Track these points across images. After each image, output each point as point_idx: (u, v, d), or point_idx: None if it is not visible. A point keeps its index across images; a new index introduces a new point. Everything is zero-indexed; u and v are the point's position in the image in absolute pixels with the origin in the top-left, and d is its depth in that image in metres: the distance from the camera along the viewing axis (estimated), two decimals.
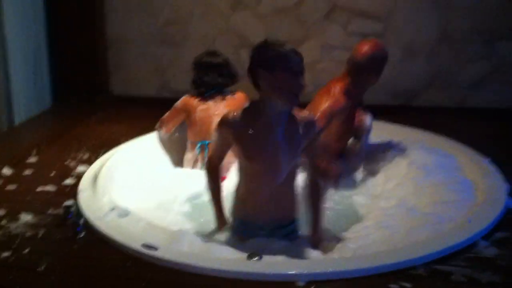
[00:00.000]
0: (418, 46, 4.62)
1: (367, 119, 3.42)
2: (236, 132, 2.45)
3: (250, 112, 2.46)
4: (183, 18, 4.86)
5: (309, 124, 2.53)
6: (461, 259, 2.37)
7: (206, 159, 3.37)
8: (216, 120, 3.36)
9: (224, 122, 2.49)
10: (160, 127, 3.62)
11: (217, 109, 3.44)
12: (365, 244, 2.53)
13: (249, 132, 2.43)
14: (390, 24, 4.60)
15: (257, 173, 2.49)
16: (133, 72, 5.04)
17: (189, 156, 3.50)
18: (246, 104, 2.57)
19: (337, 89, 3.24)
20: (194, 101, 3.50)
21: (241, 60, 4.74)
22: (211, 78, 3.49)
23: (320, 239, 2.60)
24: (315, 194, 2.62)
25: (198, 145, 3.44)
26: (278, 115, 2.45)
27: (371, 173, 3.41)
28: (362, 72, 3.24)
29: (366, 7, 4.60)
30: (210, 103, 3.48)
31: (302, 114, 2.52)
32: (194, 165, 3.45)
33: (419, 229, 2.59)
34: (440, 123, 4.09)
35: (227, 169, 3.20)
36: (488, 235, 2.55)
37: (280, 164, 2.47)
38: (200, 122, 3.46)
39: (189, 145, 3.52)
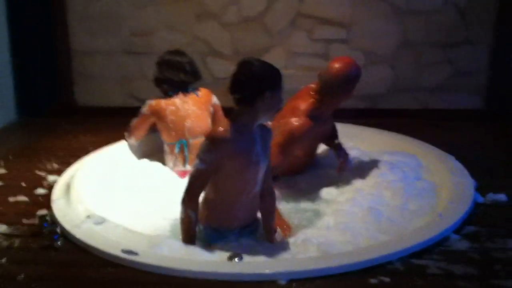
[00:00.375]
0: (381, 51, 4.73)
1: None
2: (229, 151, 2.44)
3: (236, 129, 2.46)
4: (148, 28, 4.87)
5: (271, 133, 2.64)
6: (435, 252, 2.46)
7: (187, 158, 3.43)
8: (189, 119, 3.46)
9: (217, 143, 2.44)
10: (130, 135, 3.61)
11: (187, 108, 3.49)
12: (326, 242, 2.58)
13: (239, 149, 2.45)
14: (353, 31, 4.71)
15: (236, 186, 2.53)
16: (98, 83, 5.00)
17: (169, 157, 3.51)
18: (227, 122, 2.51)
19: (300, 111, 3.15)
20: (162, 104, 3.50)
21: (208, 68, 4.82)
22: (173, 75, 3.51)
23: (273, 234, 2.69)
24: (270, 206, 2.69)
25: (177, 145, 3.45)
26: (258, 128, 2.53)
27: (335, 173, 3.43)
28: (333, 92, 3.15)
29: (329, 14, 4.69)
30: (178, 103, 3.50)
31: (266, 124, 2.62)
32: (175, 165, 3.46)
33: (380, 232, 2.67)
34: (404, 125, 4.19)
35: None
36: (459, 229, 2.64)
37: (260, 175, 2.55)
38: (172, 124, 3.47)
39: (166, 147, 3.53)
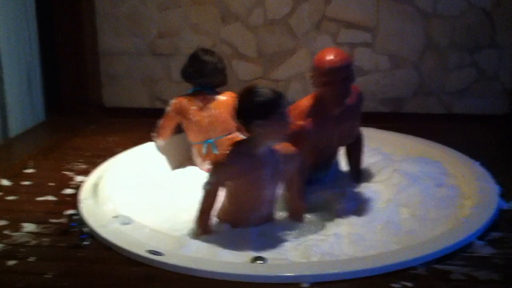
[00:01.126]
0: (405, 54, 4.72)
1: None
2: (229, 174, 2.66)
3: (239, 152, 2.65)
4: (174, 30, 4.92)
5: (290, 157, 2.75)
6: (458, 258, 2.45)
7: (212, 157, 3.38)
8: (212, 119, 3.50)
9: (217, 167, 2.66)
10: (157, 135, 3.66)
11: (211, 108, 3.54)
12: (330, 252, 2.55)
13: (239, 172, 2.64)
14: (377, 34, 4.71)
15: (245, 200, 2.74)
16: (125, 84, 5.08)
17: (197, 158, 3.56)
18: (235, 146, 2.70)
19: (297, 111, 2.98)
20: (184, 103, 3.55)
21: (233, 71, 4.86)
22: (197, 72, 3.54)
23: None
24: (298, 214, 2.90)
25: (204, 146, 3.50)
26: (266, 151, 2.68)
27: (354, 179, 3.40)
28: (316, 83, 3.02)
29: (354, 18, 4.69)
30: (200, 103, 3.54)
31: (283, 148, 2.73)
32: (204, 165, 3.48)
33: (391, 243, 2.62)
34: (428, 129, 4.18)
35: None
36: (483, 235, 2.63)
37: (266, 197, 2.76)
38: (197, 124, 3.52)
39: (193, 147, 3.59)
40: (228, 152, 2.66)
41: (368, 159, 3.55)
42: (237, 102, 2.63)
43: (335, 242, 2.64)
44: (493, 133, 4.30)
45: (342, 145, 3.34)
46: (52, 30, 4.80)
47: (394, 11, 4.66)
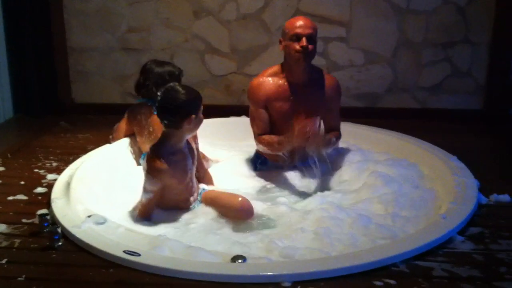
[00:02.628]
0: (379, 50, 4.72)
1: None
2: (167, 176, 2.82)
3: (168, 153, 2.82)
4: (145, 25, 4.83)
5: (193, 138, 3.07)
6: (439, 254, 2.44)
7: None
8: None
9: (156, 175, 2.81)
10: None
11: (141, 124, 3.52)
12: (293, 246, 2.53)
13: (174, 171, 2.83)
14: (351, 29, 4.69)
15: (178, 187, 2.90)
16: (95, 80, 4.97)
17: None
18: (160, 140, 2.87)
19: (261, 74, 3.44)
20: (134, 112, 3.58)
21: (206, 65, 4.80)
22: (142, 84, 3.50)
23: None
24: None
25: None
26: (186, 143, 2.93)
27: (329, 174, 3.41)
28: (289, 40, 3.31)
29: (328, 12, 4.67)
30: (141, 117, 3.51)
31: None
32: None
33: (359, 238, 2.60)
34: (403, 124, 4.19)
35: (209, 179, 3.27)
36: (463, 230, 2.63)
37: (193, 179, 2.99)
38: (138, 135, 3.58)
39: None
40: (158, 154, 2.79)
41: (345, 156, 3.54)
42: (164, 102, 2.77)
43: (300, 236, 2.62)
44: (467, 129, 4.34)
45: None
46: (19, 26, 4.66)
47: (367, 6, 4.65)
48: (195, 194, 3.01)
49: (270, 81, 3.37)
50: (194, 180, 3.02)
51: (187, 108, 2.76)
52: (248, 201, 2.92)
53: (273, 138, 3.32)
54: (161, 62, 3.56)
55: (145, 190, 2.85)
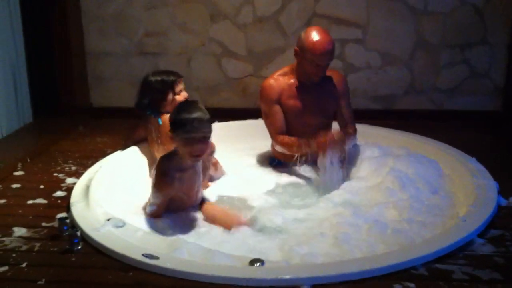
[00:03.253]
0: (396, 51, 4.70)
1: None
2: (174, 191, 2.85)
3: (178, 162, 2.83)
4: (162, 30, 4.85)
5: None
6: (459, 257, 2.42)
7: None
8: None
9: (163, 194, 2.83)
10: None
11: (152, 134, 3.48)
12: (313, 252, 2.50)
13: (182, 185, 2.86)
14: (368, 31, 4.67)
15: (185, 199, 2.93)
16: (112, 85, 5.00)
17: None
18: (170, 153, 2.88)
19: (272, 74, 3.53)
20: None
21: (222, 69, 4.81)
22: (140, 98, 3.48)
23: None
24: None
25: None
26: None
27: (346, 177, 3.38)
28: (297, 58, 3.37)
29: (344, 14, 4.66)
30: (152, 128, 3.48)
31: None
32: None
33: (377, 245, 2.58)
34: (421, 126, 4.17)
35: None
36: (483, 232, 2.61)
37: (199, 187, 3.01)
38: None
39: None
40: (164, 169, 2.81)
41: (364, 152, 3.57)
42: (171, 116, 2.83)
43: (320, 242, 2.60)
44: (485, 130, 4.30)
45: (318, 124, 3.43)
46: (38, 31, 4.71)
47: (384, 8, 4.62)
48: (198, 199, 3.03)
49: (281, 80, 3.44)
50: (200, 190, 3.03)
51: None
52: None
53: (292, 140, 3.34)
54: (157, 72, 3.53)
55: (151, 197, 2.87)
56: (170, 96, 3.39)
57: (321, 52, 3.26)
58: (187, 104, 2.85)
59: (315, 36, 3.28)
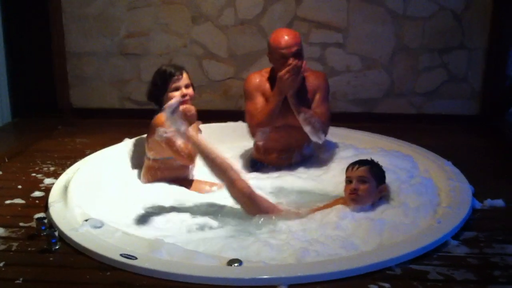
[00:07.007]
0: (376, 55, 4.75)
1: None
2: None
3: None
4: (144, 30, 4.85)
5: None
6: (434, 258, 2.46)
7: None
8: None
9: None
10: None
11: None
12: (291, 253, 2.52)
13: None
14: (349, 35, 4.71)
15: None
16: (93, 85, 4.99)
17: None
18: None
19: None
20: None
21: (204, 71, 4.82)
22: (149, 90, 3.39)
23: None
24: None
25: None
26: None
27: (325, 173, 3.46)
28: (277, 59, 3.38)
29: (326, 18, 4.69)
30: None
31: None
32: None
33: (374, 235, 2.63)
34: (399, 130, 4.23)
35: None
36: (457, 234, 2.65)
37: None
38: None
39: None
40: None
41: (338, 154, 3.63)
42: None
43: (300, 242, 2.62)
44: (463, 134, 4.37)
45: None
46: (18, 30, 4.69)
47: (364, 12, 4.67)
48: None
49: (264, 74, 3.53)
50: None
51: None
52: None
53: (264, 106, 3.40)
54: (167, 65, 3.51)
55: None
56: (165, 90, 3.27)
57: (284, 42, 3.30)
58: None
59: (276, 32, 3.43)
